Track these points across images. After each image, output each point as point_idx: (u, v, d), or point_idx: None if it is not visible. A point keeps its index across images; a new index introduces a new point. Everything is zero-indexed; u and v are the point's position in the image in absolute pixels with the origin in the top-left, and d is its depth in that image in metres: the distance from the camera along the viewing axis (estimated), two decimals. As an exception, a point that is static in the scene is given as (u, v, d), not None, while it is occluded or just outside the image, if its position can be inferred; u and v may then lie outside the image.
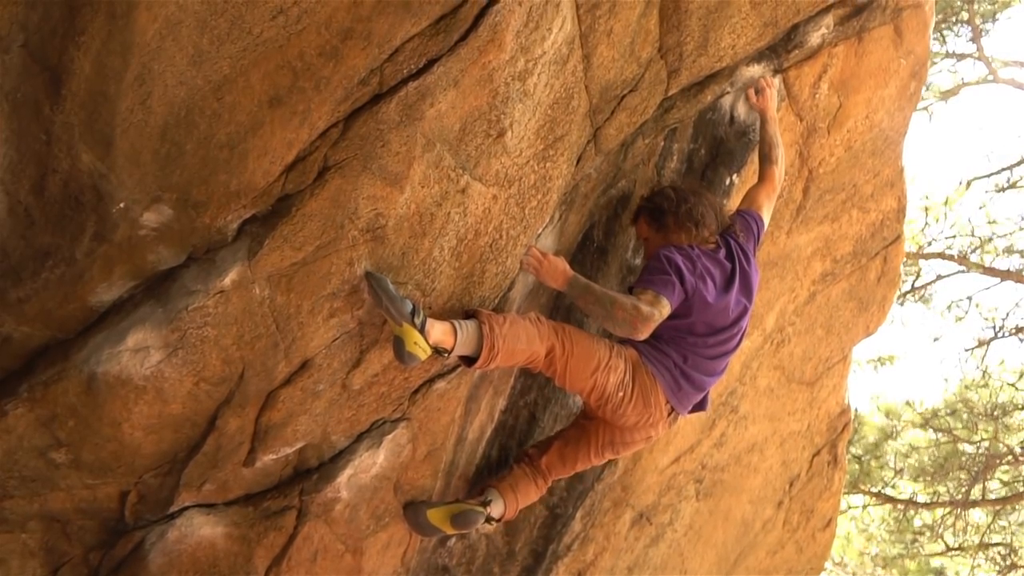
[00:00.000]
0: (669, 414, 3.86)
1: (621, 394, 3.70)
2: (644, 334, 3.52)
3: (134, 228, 2.62)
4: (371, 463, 3.69)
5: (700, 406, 3.98)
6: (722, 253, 3.86)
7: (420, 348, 3.20)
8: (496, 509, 4.01)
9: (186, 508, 3.32)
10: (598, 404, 3.74)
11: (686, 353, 3.78)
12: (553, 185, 3.52)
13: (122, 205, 2.55)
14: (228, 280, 2.82)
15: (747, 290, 3.89)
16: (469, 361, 3.45)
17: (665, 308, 3.55)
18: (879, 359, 13.77)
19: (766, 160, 4.25)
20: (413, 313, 3.16)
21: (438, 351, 3.29)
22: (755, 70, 4.30)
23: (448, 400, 3.81)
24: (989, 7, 12.43)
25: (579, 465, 4.12)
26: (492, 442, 4.35)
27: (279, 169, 2.75)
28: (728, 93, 4.31)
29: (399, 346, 3.21)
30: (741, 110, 4.45)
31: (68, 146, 2.44)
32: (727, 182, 4.53)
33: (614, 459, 4.27)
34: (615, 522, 5.34)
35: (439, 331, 3.27)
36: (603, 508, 5.16)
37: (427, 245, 3.19)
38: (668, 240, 3.85)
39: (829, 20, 4.34)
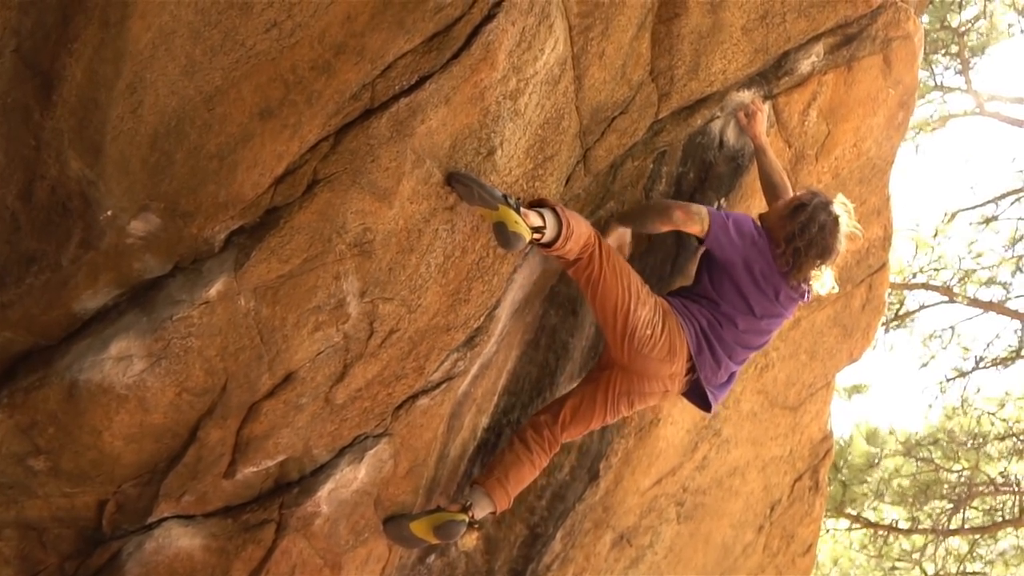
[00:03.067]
0: (688, 373, 3.81)
1: (649, 331, 3.64)
2: (671, 219, 3.74)
3: (121, 236, 2.61)
4: (352, 478, 3.67)
5: (707, 397, 3.93)
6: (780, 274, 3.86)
7: (522, 227, 3.18)
8: (480, 510, 3.87)
9: (164, 519, 3.30)
10: (623, 336, 3.65)
11: (712, 322, 3.78)
12: (542, 204, 3.52)
13: (110, 213, 2.54)
14: (214, 291, 2.82)
15: (775, 310, 3.92)
16: (545, 245, 3.41)
17: (704, 218, 3.72)
18: (854, 387, 13.83)
19: (778, 189, 4.16)
20: (506, 197, 3.16)
21: (535, 230, 3.27)
22: (745, 95, 4.33)
23: (431, 417, 3.80)
24: (979, 41, 12.55)
25: (593, 421, 3.95)
26: (474, 460, 4.34)
27: (268, 181, 2.75)
28: (718, 118, 4.34)
29: (502, 230, 3.16)
30: (731, 135, 4.48)
31: (57, 152, 2.43)
32: (715, 206, 4.54)
33: (626, 414, 3.95)
34: (595, 543, 5.33)
35: (529, 214, 3.27)
36: (584, 529, 5.15)
37: (414, 261, 3.19)
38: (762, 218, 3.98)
39: (819, 48, 4.37)
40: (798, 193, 3.96)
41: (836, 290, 4.02)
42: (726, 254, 3.80)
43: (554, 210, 3.38)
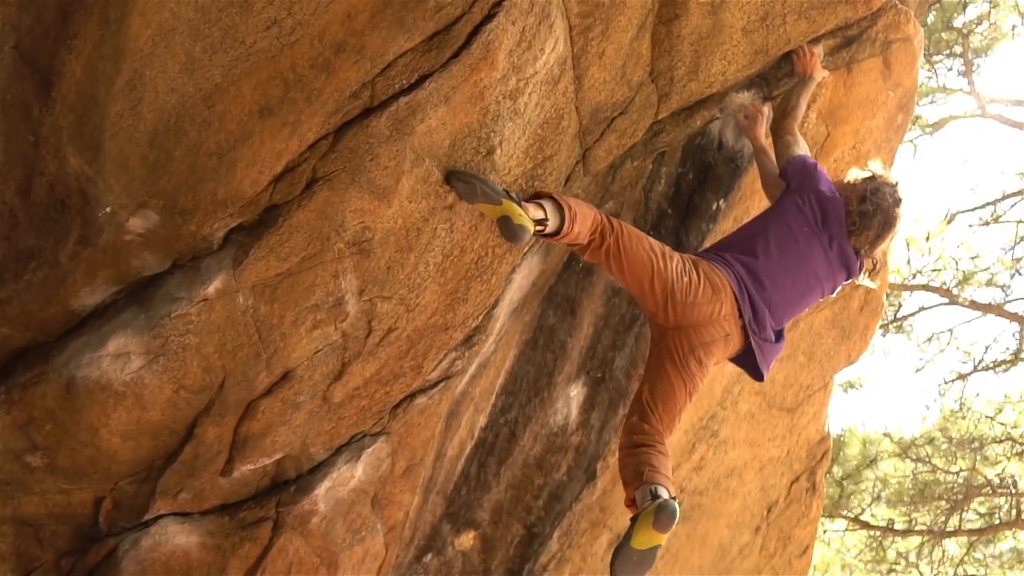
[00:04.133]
0: (740, 315, 3.68)
1: (686, 279, 3.55)
2: (783, 126, 4.03)
3: (119, 233, 2.61)
4: (349, 476, 3.67)
5: (756, 357, 3.80)
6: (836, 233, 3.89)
7: (526, 220, 3.16)
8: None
9: (161, 516, 3.30)
10: (663, 296, 3.55)
11: (750, 269, 3.71)
12: (541, 204, 3.52)
13: (108, 210, 2.54)
14: (212, 288, 2.82)
15: (825, 267, 3.90)
16: (551, 235, 3.38)
17: (788, 153, 3.95)
18: (848, 383, 13.82)
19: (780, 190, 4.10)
20: (507, 191, 3.17)
21: (537, 223, 3.26)
22: (745, 97, 4.32)
23: (429, 416, 3.80)
24: (983, 42, 12.54)
25: (677, 394, 3.70)
26: (471, 459, 4.34)
27: (267, 179, 2.75)
28: (717, 119, 4.34)
29: (506, 224, 3.15)
30: (730, 136, 4.48)
31: (56, 149, 2.43)
32: (714, 207, 4.55)
33: (700, 375, 3.79)
34: (592, 543, 5.33)
35: (531, 207, 3.25)
36: (580, 529, 5.15)
37: (413, 260, 3.19)
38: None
39: (819, 50, 4.37)
40: (866, 172, 4.04)
41: (875, 286, 4.13)
42: (810, 183, 3.88)
43: (553, 199, 3.36)
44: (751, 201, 4.65)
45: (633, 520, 3.42)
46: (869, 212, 3.85)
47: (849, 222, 3.87)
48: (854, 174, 4.00)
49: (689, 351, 3.68)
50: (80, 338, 2.75)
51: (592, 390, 4.70)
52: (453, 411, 3.98)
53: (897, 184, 3.94)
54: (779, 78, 4.37)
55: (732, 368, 5.46)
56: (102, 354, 2.73)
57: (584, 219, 3.41)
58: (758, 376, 3.89)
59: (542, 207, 3.30)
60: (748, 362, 3.88)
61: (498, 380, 4.29)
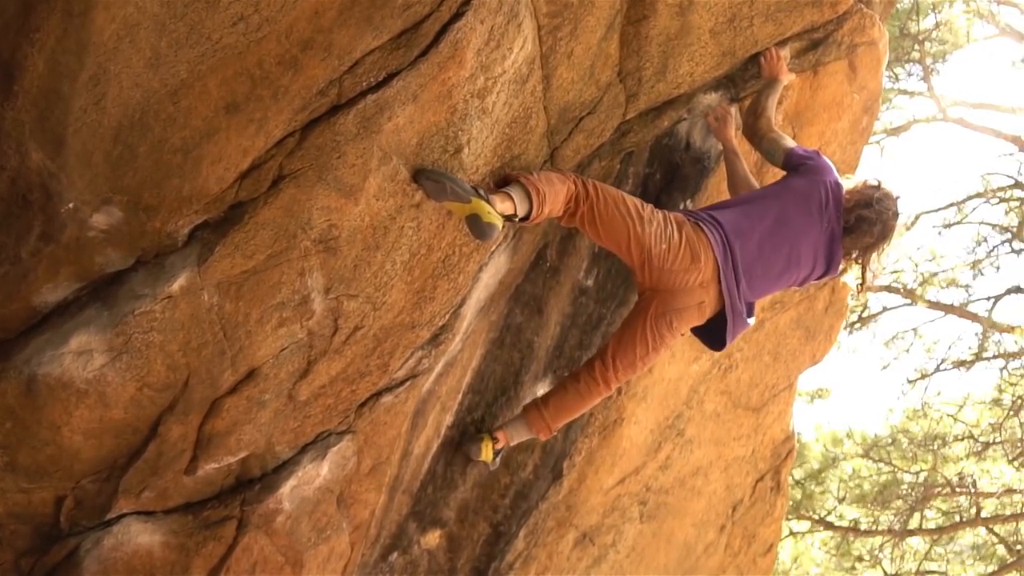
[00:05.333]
0: (718, 282, 3.71)
1: (664, 245, 3.58)
2: (745, 134, 4.12)
3: (82, 229, 2.59)
4: (315, 475, 3.66)
5: (724, 330, 3.86)
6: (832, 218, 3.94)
7: (495, 216, 3.15)
8: (517, 437, 3.99)
9: (124, 515, 3.27)
10: (642, 262, 3.61)
11: (738, 230, 3.74)
12: (508, 203, 3.52)
13: (71, 205, 2.52)
14: (177, 286, 2.80)
15: (813, 250, 3.95)
16: (524, 219, 3.38)
17: (784, 148, 4.01)
18: (816, 392, 13.95)
19: (747, 191, 4.19)
20: (476, 189, 3.15)
21: (507, 218, 3.25)
22: (712, 98, 4.35)
23: (395, 414, 3.80)
24: (940, 48, 12.70)
25: (638, 349, 3.84)
26: (438, 457, 4.34)
27: (233, 176, 2.74)
28: (685, 120, 4.36)
29: (475, 222, 3.13)
30: (697, 137, 4.51)
31: (18, 143, 2.40)
32: (681, 207, 4.57)
33: (670, 340, 3.91)
34: (558, 542, 5.34)
35: (497, 201, 3.23)
36: (547, 527, 5.16)
37: (379, 258, 3.18)
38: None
39: (786, 53, 4.41)
40: (868, 179, 4.10)
41: (853, 288, 4.22)
42: (823, 169, 3.95)
43: (519, 183, 3.34)
44: (717, 201, 4.68)
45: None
46: (871, 219, 3.91)
47: (844, 219, 3.93)
48: (860, 179, 4.05)
49: (661, 315, 3.77)
50: (41, 335, 2.71)
51: (559, 389, 4.71)
52: (419, 410, 3.98)
53: (899, 199, 4.00)
54: (746, 80, 4.41)
55: (698, 368, 5.51)
56: (64, 351, 2.71)
57: (555, 196, 3.40)
58: (719, 347, 3.96)
59: (509, 197, 3.28)
60: (714, 333, 3.93)
61: (465, 379, 4.30)
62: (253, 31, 2.52)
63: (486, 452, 4.25)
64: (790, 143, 4.07)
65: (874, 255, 4.00)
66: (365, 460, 3.82)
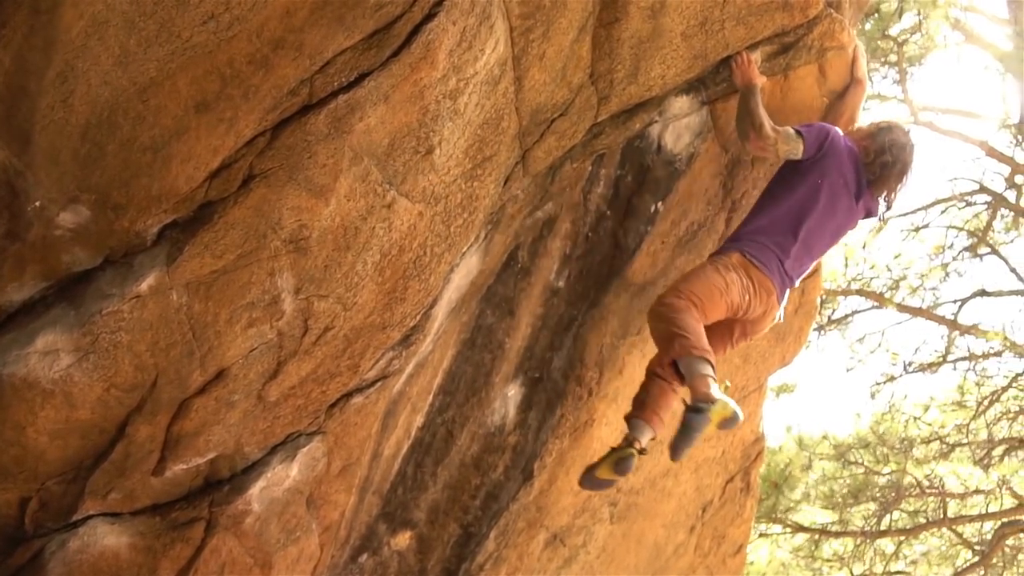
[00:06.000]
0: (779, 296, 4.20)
1: (747, 296, 4.05)
2: (750, 145, 4.19)
3: (49, 228, 2.57)
4: (284, 476, 3.64)
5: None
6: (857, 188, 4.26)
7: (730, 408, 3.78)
8: (644, 437, 4.14)
9: (90, 517, 3.24)
10: (736, 316, 4.13)
11: (783, 249, 4.14)
12: (480, 204, 3.53)
13: (38, 204, 2.50)
14: (145, 285, 2.78)
15: (850, 213, 4.32)
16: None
17: (795, 144, 4.14)
18: (782, 387, 14.02)
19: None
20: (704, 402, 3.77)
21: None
22: (684, 101, 4.37)
23: (366, 415, 3.79)
24: (917, 50, 12.81)
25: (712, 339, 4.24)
26: (408, 459, 4.33)
27: (203, 175, 2.72)
28: (656, 122, 4.38)
29: (731, 420, 3.82)
30: (668, 139, 4.53)
31: (-17, 141, 2.38)
32: (652, 209, 4.59)
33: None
34: (529, 543, 5.35)
35: (714, 390, 3.80)
36: (517, 528, 5.16)
37: (350, 259, 3.18)
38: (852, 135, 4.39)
39: (757, 56, 4.43)
40: (876, 120, 4.47)
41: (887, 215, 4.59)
42: (837, 147, 4.20)
43: (699, 358, 3.84)
44: (689, 204, 4.71)
45: (608, 453, 4.10)
46: (889, 163, 4.27)
47: (868, 172, 4.28)
48: (869, 125, 4.43)
49: (744, 334, 4.38)
50: (7, 335, 2.69)
51: (530, 390, 4.72)
52: (390, 411, 3.97)
53: (908, 131, 4.35)
54: (718, 83, 4.43)
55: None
56: (29, 351, 2.68)
57: (702, 335, 3.89)
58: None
59: (708, 379, 3.82)
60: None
61: (436, 380, 4.29)
62: (224, 30, 2.51)
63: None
64: (796, 131, 4.23)
65: (899, 187, 4.37)
66: (335, 461, 3.81)
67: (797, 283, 4.36)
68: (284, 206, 2.89)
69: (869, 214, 4.46)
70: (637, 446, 4.09)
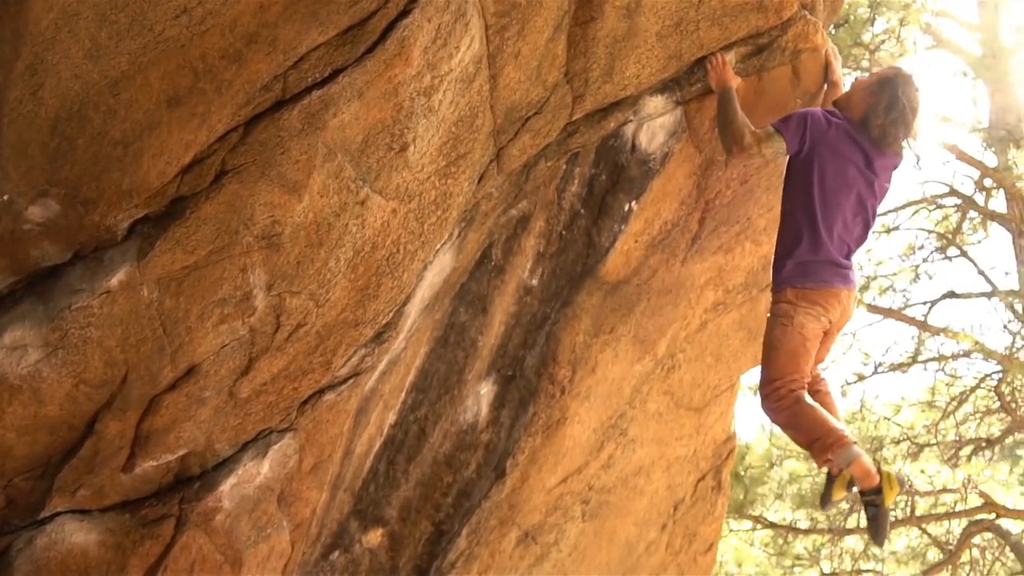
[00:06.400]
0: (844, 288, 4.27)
1: (824, 319, 4.18)
2: (734, 157, 4.23)
3: (18, 222, 2.54)
4: (255, 473, 3.63)
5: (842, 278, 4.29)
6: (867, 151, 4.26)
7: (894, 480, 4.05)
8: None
9: (58, 514, 3.21)
10: (823, 341, 4.31)
11: (817, 260, 4.21)
12: (453, 202, 3.53)
13: (6, 198, 2.48)
14: (115, 280, 2.76)
15: (873, 185, 4.34)
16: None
17: (778, 143, 4.15)
18: (755, 386, 14.08)
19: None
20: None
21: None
22: (658, 101, 4.39)
23: (338, 412, 3.78)
24: (889, 57, 12.91)
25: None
26: (380, 456, 4.32)
27: (175, 170, 2.71)
28: (631, 121, 4.40)
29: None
30: (643, 139, 4.54)
31: (-49, 133, 2.35)
32: (626, 208, 4.61)
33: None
34: (500, 540, 5.35)
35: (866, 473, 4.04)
36: (489, 526, 5.17)
37: (323, 255, 3.17)
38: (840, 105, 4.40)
39: (731, 57, 4.46)
40: (876, 70, 4.47)
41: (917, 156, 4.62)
42: (813, 149, 4.19)
43: (846, 447, 4.02)
44: (663, 203, 4.73)
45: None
46: (896, 119, 4.23)
47: (878, 135, 4.24)
48: (864, 85, 4.39)
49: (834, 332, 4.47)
50: (-27, 330, 2.66)
51: (502, 388, 4.73)
52: (362, 408, 3.96)
53: (901, 71, 4.34)
54: (692, 83, 4.45)
55: (642, 368, 5.55)
56: (-3, 346, 2.66)
57: (825, 424, 4.09)
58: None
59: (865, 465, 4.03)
60: None
61: (408, 377, 4.29)
62: (196, 24, 2.50)
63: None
64: (775, 128, 4.23)
65: (915, 127, 4.33)
66: (307, 458, 3.80)
67: (857, 252, 4.40)
68: (257, 202, 2.88)
69: (895, 167, 4.44)
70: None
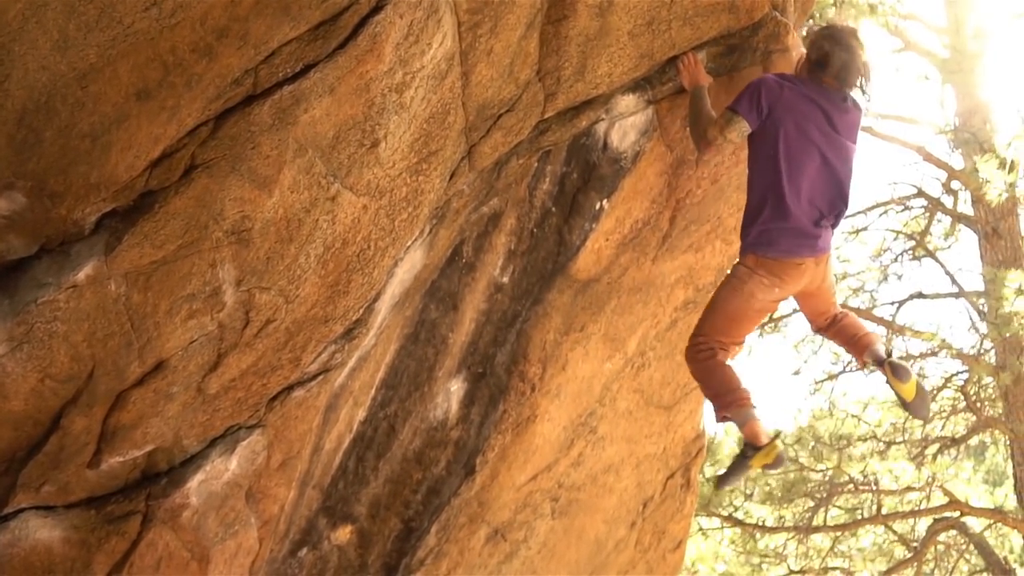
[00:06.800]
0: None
1: (776, 290, 4.23)
2: (703, 152, 4.35)
3: (-18, 215, 2.52)
4: (223, 469, 3.61)
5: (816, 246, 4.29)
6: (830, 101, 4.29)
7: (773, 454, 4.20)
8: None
9: (22, 510, 3.18)
10: (780, 301, 4.43)
11: (788, 227, 4.20)
12: (425, 199, 3.53)
13: (-29, 190, 2.45)
14: (82, 275, 2.73)
15: (839, 141, 4.37)
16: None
17: (739, 123, 4.15)
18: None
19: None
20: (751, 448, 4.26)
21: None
22: (630, 100, 4.41)
23: (307, 409, 3.77)
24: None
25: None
26: (349, 453, 4.31)
27: (143, 164, 2.69)
28: (603, 120, 4.41)
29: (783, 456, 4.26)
30: (615, 137, 4.56)
31: (-85, 125, 2.33)
32: (597, 206, 4.62)
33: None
34: (470, 538, 5.35)
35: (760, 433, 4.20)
36: (458, 523, 5.17)
37: (293, 251, 3.16)
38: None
39: (703, 56, 4.48)
40: (811, 37, 4.53)
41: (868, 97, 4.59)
42: (771, 115, 4.19)
43: (742, 407, 4.18)
44: (634, 202, 4.75)
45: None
46: (848, 62, 4.28)
47: (835, 76, 4.30)
48: (811, 35, 4.52)
49: (816, 298, 4.58)
50: (-63, 323, 2.63)
51: (473, 385, 4.73)
52: (332, 404, 3.95)
53: (842, 28, 4.39)
54: (664, 82, 4.47)
55: (612, 366, 5.57)
56: (-39, 340, 2.63)
57: (729, 385, 4.24)
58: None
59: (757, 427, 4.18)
60: None
61: (378, 374, 4.28)
62: (167, 17, 2.48)
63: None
64: (731, 110, 4.22)
65: (861, 78, 4.39)
66: (275, 455, 3.78)
67: (838, 217, 4.39)
68: (226, 197, 2.87)
69: (858, 124, 4.50)
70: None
